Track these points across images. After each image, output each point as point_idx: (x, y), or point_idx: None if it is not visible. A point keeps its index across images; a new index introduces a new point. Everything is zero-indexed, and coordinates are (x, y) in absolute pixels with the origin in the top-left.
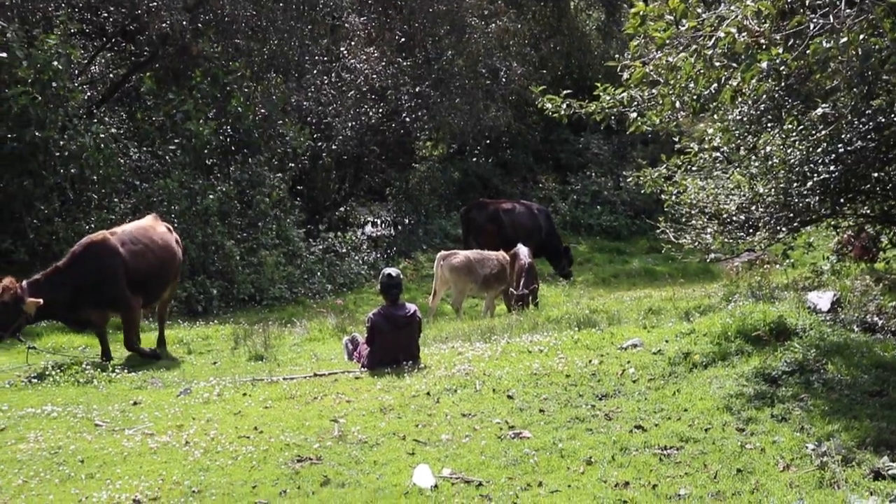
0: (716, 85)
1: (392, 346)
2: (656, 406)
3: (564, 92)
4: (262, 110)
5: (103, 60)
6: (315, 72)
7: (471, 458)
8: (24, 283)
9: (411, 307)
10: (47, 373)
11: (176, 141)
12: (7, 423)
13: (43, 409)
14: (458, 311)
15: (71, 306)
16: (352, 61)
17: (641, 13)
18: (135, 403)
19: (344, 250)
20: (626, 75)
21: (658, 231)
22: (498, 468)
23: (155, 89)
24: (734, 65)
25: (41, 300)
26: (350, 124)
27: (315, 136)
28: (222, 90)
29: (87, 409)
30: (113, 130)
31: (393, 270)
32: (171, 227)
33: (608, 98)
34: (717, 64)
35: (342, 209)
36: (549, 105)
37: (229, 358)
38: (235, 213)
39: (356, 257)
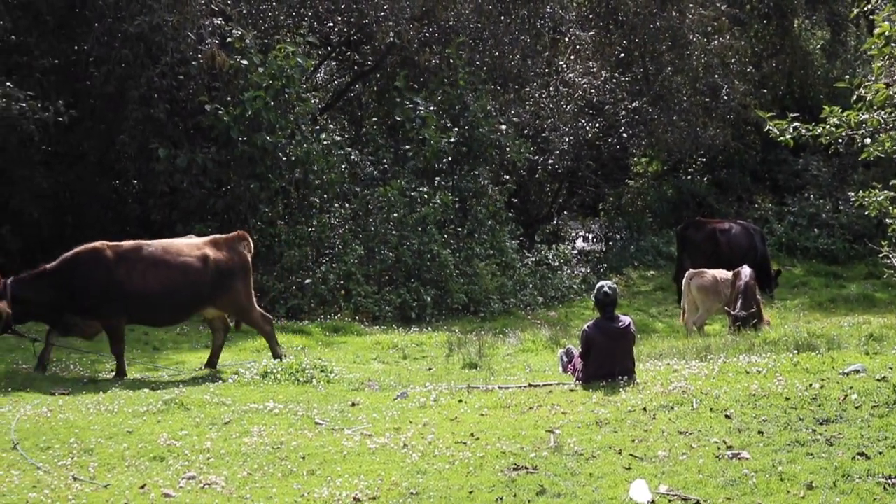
0: None
1: (607, 360)
2: (880, 434)
3: (791, 115)
4: (499, 121)
5: (328, 69)
6: (534, 84)
7: (688, 476)
8: (10, 280)
9: (626, 319)
10: (269, 371)
11: (405, 148)
12: (232, 416)
13: (265, 406)
14: (694, 330)
15: (54, 310)
16: (570, 75)
17: (886, 34)
18: (353, 404)
19: (556, 263)
20: (866, 96)
21: (880, 256)
22: (715, 487)
23: (404, 87)
24: None
25: (9, 311)
26: (567, 139)
27: (532, 148)
28: (459, 99)
29: (308, 408)
30: (337, 137)
31: (609, 285)
32: (223, 248)
33: (835, 121)
34: None
35: (554, 222)
36: (774, 129)
37: (443, 365)
38: (453, 223)
39: (567, 271)
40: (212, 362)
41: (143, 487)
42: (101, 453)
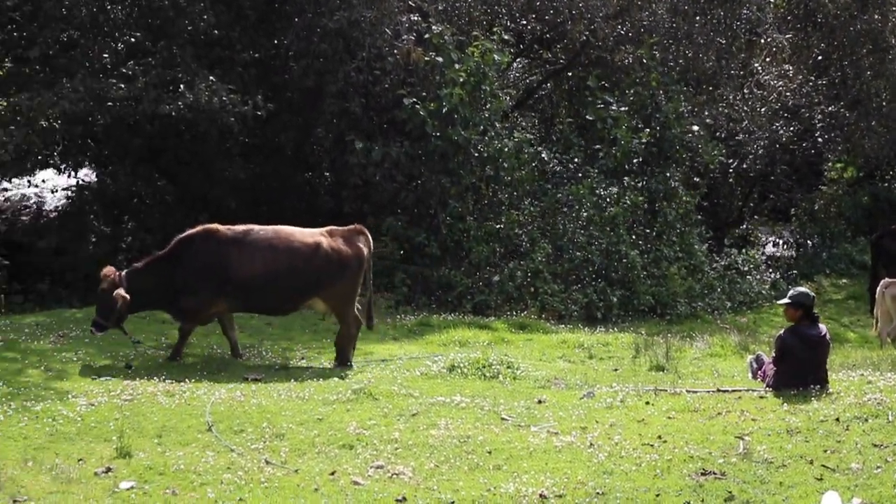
0: None
1: (801, 368)
2: None
3: None
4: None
5: (519, 67)
6: (728, 86)
7: (882, 491)
8: (124, 272)
9: (823, 327)
10: (456, 365)
11: (596, 147)
12: (419, 408)
13: (452, 399)
14: (888, 341)
15: (168, 293)
16: (765, 77)
17: None
18: (539, 402)
19: (745, 268)
20: None
21: None
22: None
23: (597, 86)
24: None
25: (127, 297)
26: (761, 142)
27: (724, 151)
28: (651, 99)
29: (494, 403)
30: (528, 135)
31: (806, 290)
32: (338, 239)
33: None
34: None
35: (744, 226)
36: None
37: (630, 366)
38: (642, 224)
39: (757, 276)
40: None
41: (332, 474)
42: (292, 439)
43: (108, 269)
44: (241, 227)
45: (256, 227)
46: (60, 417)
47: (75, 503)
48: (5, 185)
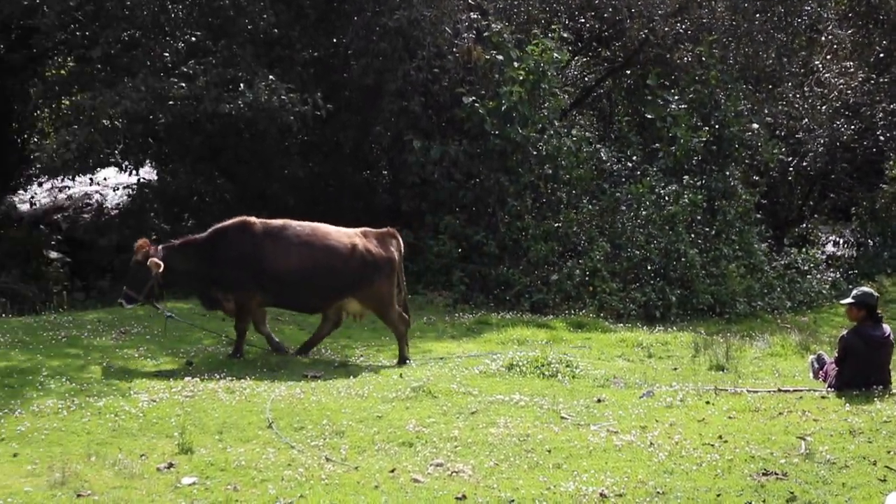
0: None
1: (864, 368)
2: None
3: None
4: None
5: (578, 65)
6: (788, 84)
7: None
8: (160, 247)
9: (887, 328)
10: (514, 363)
11: (655, 145)
12: (478, 406)
13: (511, 397)
14: None
15: (199, 280)
16: (826, 75)
17: None
18: (598, 400)
19: (805, 267)
20: None
21: None
22: None
23: (656, 84)
24: None
25: (162, 264)
26: (821, 140)
27: (783, 149)
28: (710, 97)
29: (553, 402)
30: (587, 134)
31: (870, 290)
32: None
33: None
34: None
35: (804, 225)
36: None
37: (689, 365)
38: (701, 222)
39: (817, 275)
40: (306, 349)
41: (392, 471)
42: (352, 436)
43: (142, 241)
44: (277, 222)
45: (293, 223)
46: (123, 413)
47: (138, 498)
48: (67, 183)
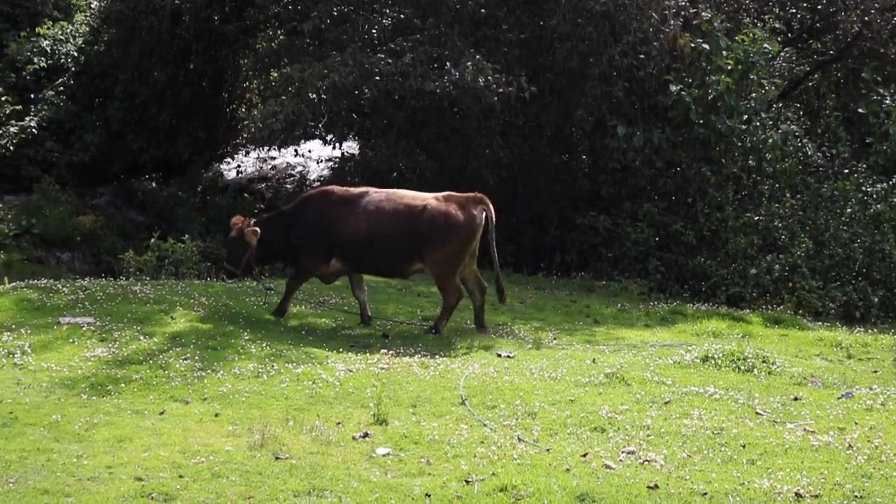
0: None
1: None
2: None
3: None
4: None
5: (786, 56)
6: None
7: None
8: (254, 221)
9: None
10: (709, 355)
11: (867, 141)
12: (672, 397)
13: (705, 390)
14: None
15: (290, 251)
16: None
17: None
18: (795, 399)
19: None
20: None
21: None
22: None
23: (871, 79)
24: None
25: (259, 231)
26: None
27: None
28: None
29: (748, 397)
30: (794, 127)
31: None
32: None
33: None
34: None
35: None
36: None
37: (890, 369)
38: None
39: None
40: (480, 322)
41: (584, 456)
42: (544, 418)
43: (238, 218)
44: (357, 190)
45: (372, 190)
46: (320, 381)
47: (334, 465)
48: (273, 153)
